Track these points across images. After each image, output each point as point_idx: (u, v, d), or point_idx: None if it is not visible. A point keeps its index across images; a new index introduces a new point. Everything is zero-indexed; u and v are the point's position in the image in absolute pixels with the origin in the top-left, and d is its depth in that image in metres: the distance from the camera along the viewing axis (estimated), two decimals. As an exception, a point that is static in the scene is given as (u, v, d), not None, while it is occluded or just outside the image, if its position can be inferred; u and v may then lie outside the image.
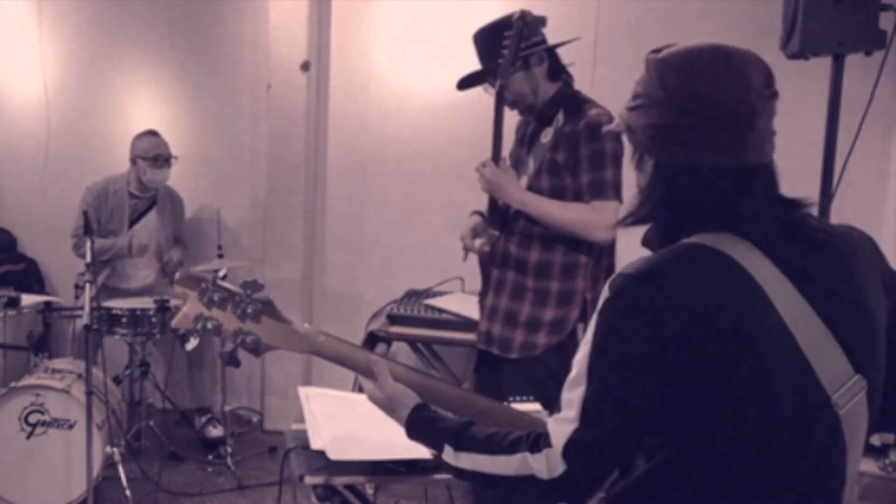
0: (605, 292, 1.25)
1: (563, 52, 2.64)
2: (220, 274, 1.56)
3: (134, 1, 4.67)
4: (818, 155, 2.61)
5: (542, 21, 2.51)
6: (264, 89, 4.46)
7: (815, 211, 1.33)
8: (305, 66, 4.26)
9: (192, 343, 1.65)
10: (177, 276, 1.57)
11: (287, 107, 4.40)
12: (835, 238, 1.31)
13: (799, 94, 3.84)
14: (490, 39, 2.50)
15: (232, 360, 1.56)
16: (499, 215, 2.61)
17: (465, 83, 2.63)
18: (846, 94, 2.57)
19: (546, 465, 1.25)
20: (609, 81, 3.29)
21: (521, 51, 2.43)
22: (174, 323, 1.58)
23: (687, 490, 1.25)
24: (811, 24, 2.45)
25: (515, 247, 2.56)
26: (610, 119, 2.37)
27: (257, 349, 1.55)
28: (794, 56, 2.59)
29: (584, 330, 2.50)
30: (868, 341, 1.27)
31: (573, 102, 2.52)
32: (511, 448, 1.31)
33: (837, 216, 2.08)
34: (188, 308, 1.54)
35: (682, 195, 1.28)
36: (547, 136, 2.53)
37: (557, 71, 2.57)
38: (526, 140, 2.67)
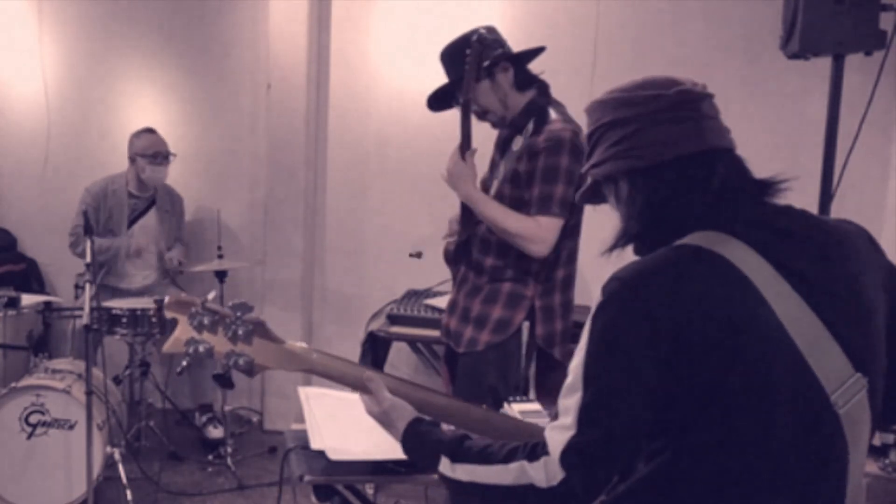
0: (598, 297, 1.24)
1: (562, 53, 2.64)
2: (210, 297, 1.56)
3: (134, 1, 4.67)
4: (818, 155, 2.61)
5: (499, 42, 2.54)
6: (264, 89, 4.46)
7: (789, 190, 1.34)
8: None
9: (182, 365, 1.66)
10: (165, 300, 1.56)
11: (287, 107, 4.40)
12: (830, 234, 1.30)
13: (799, 94, 3.84)
14: (453, 56, 2.51)
15: (226, 383, 1.57)
16: (469, 215, 2.62)
17: (435, 103, 2.65)
18: (846, 94, 2.57)
19: (545, 472, 1.24)
20: (609, 81, 3.28)
21: (482, 69, 2.46)
22: (165, 348, 1.57)
23: (686, 492, 1.24)
24: (811, 24, 2.45)
25: (476, 249, 2.60)
26: (572, 133, 2.38)
27: (251, 370, 1.56)
28: (794, 56, 2.58)
29: (529, 331, 2.56)
30: (867, 339, 1.26)
31: (542, 113, 2.50)
32: (508, 457, 1.30)
33: (837, 216, 2.07)
34: (179, 332, 1.54)
35: (660, 193, 1.29)
36: (517, 144, 2.53)
37: (526, 79, 2.54)
38: (500, 145, 2.66)
